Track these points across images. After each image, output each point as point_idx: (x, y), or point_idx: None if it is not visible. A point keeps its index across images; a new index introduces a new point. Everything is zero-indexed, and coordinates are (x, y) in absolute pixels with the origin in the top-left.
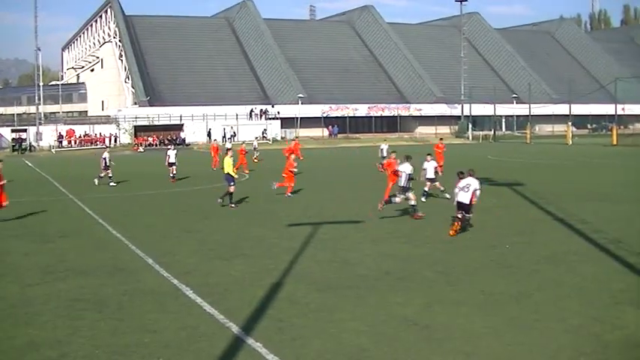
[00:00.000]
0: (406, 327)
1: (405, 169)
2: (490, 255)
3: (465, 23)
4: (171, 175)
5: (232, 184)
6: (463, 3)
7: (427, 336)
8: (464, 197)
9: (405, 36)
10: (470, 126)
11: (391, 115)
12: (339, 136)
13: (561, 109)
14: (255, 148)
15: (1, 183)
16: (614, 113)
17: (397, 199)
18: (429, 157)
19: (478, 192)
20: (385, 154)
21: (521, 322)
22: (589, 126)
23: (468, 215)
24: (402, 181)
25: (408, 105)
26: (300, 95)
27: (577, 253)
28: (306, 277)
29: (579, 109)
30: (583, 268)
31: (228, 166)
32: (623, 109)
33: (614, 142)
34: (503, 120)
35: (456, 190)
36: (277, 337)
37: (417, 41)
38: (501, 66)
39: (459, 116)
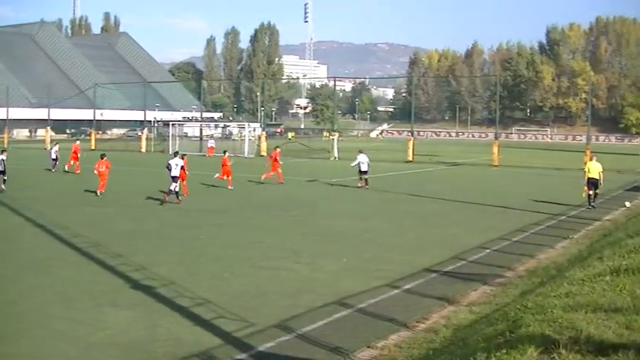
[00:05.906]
0: None
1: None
2: None
3: None
4: None
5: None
6: None
7: None
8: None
9: None
10: None
11: None
12: None
13: (41, 113)
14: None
15: None
16: (93, 118)
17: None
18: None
19: None
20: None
21: (7, 331)
22: (68, 131)
23: None
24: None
25: None
26: None
27: (58, 258)
28: None
29: (59, 113)
30: (65, 272)
31: None
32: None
33: (93, 148)
34: None
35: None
36: None
37: None
38: None
39: None
